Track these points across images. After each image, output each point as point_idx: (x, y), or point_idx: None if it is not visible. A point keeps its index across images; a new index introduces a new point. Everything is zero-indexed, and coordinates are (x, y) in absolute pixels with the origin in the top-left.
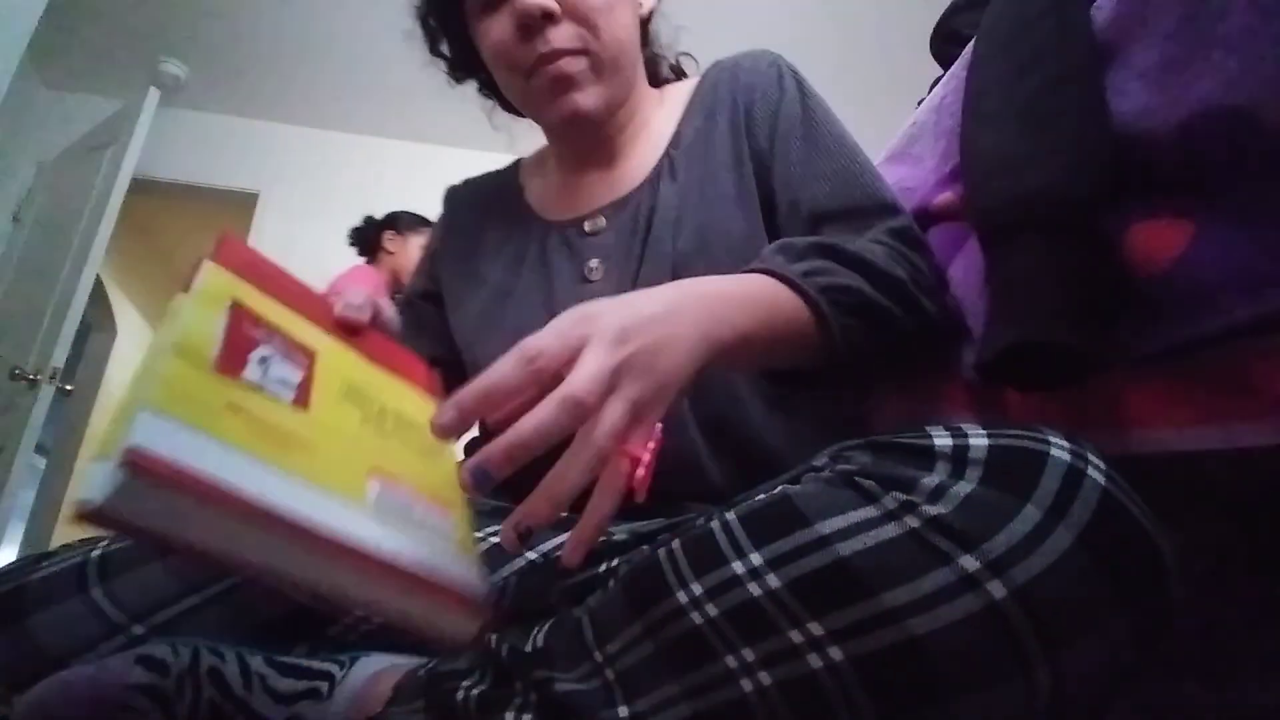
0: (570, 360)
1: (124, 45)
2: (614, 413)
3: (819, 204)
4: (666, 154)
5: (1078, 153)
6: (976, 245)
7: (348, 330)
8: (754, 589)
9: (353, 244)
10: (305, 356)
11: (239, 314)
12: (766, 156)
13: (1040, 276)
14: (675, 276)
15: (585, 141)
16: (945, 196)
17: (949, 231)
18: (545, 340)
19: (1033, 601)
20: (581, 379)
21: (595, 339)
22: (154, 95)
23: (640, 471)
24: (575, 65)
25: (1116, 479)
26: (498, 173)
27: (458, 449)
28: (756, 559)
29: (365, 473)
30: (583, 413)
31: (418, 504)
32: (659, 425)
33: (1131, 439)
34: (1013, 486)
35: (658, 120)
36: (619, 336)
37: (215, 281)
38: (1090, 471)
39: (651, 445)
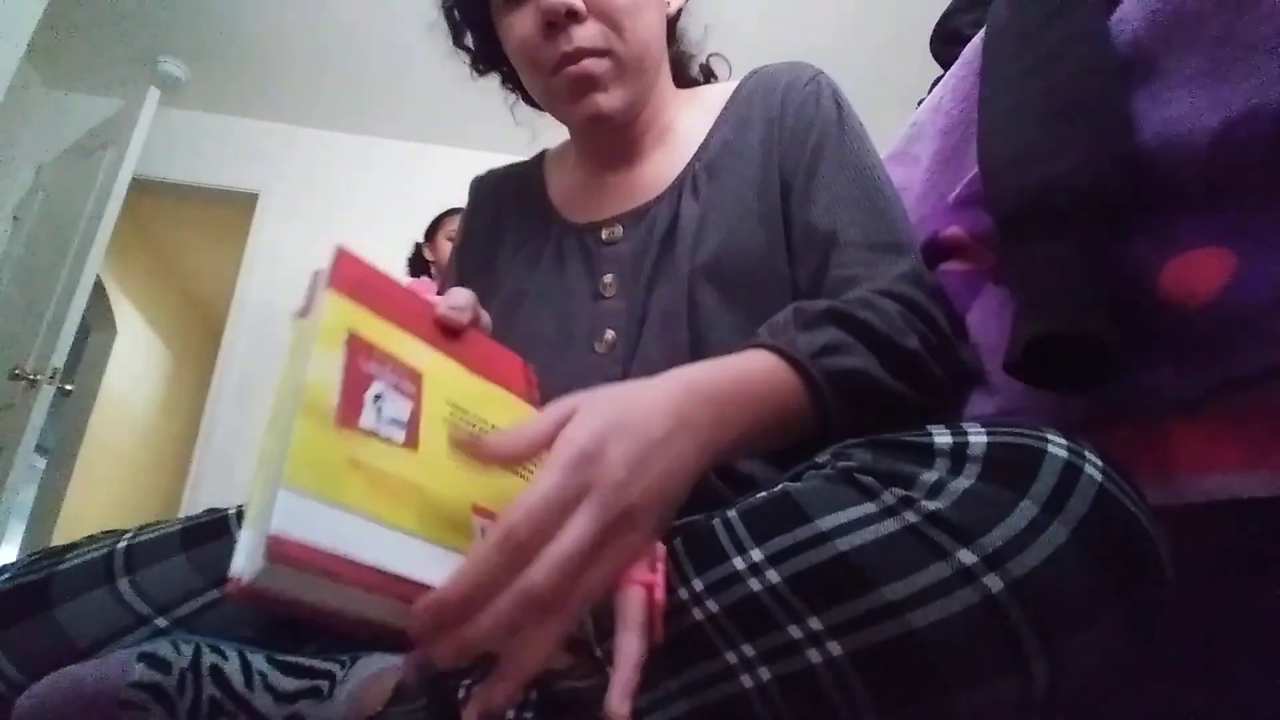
0: (567, 512)
1: (124, 45)
2: (594, 578)
3: (834, 231)
4: (691, 165)
5: (1092, 143)
6: (993, 290)
7: (449, 334)
8: (754, 585)
9: (409, 273)
10: (413, 383)
11: (355, 348)
12: (792, 174)
13: (1061, 268)
14: (690, 296)
15: (607, 142)
16: (953, 230)
17: (963, 279)
18: (534, 512)
19: (1029, 595)
20: (552, 565)
21: (594, 496)
22: (154, 95)
23: (658, 596)
24: (598, 66)
25: (1113, 475)
26: (523, 164)
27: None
28: (757, 555)
29: (469, 510)
30: (551, 610)
31: None
32: (660, 546)
33: (1185, 487)
34: (1010, 482)
35: (686, 124)
36: (623, 486)
37: (334, 313)
38: (1087, 468)
39: (660, 567)
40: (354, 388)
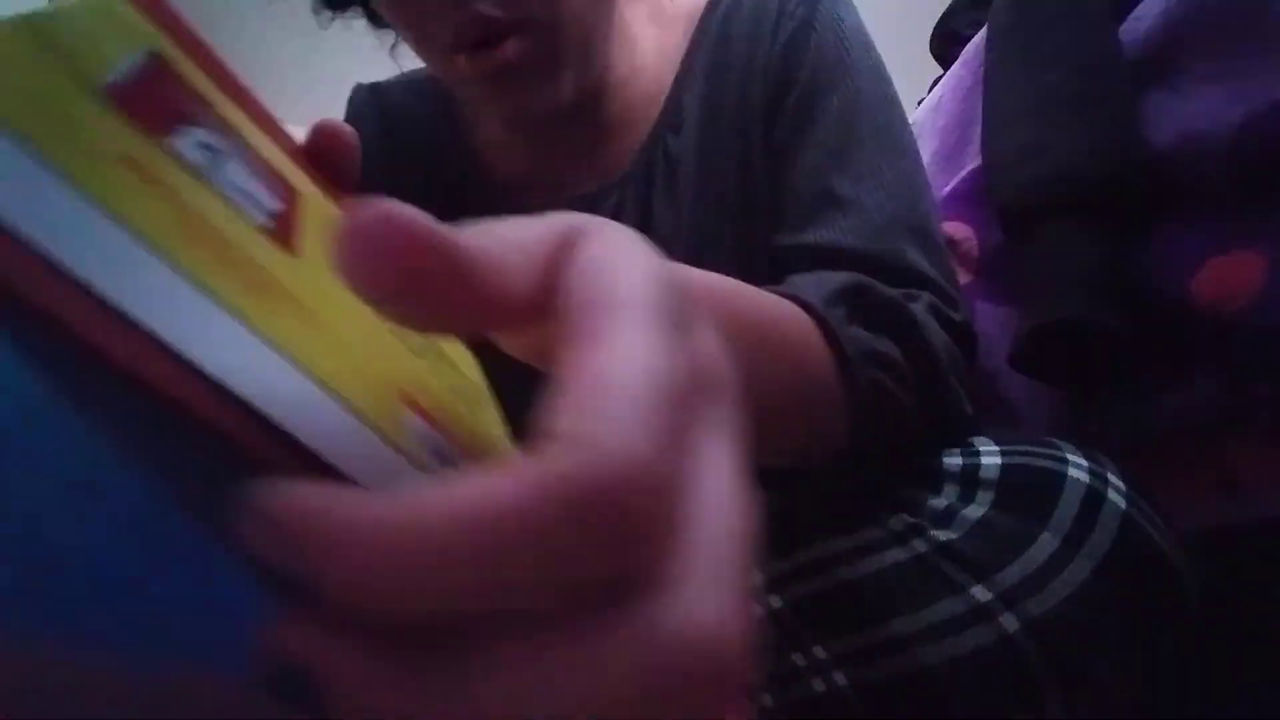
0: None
1: None
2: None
3: (828, 241)
4: (659, 137)
5: (1096, 136)
6: (988, 311)
7: (327, 179)
8: (754, 609)
9: None
10: (284, 188)
11: (162, 68)
12: (777, 142)
13: (1065, 259)
14: None
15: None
16: (946, 226)
17: None
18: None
19: (1047, 635)
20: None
21: (717, 408)
22: None
23: None
24: (521, 49)
25: (1137, 501)
26: (423, 86)
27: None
28: (757, 579)
29: (395, 395)
30: None
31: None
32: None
33: (1258, 503)
34: (1027, 511)
35: (646, 59)
36: (741, 400)
37: (128, 16)
38: (1110, 494)
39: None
40: (158, 97)
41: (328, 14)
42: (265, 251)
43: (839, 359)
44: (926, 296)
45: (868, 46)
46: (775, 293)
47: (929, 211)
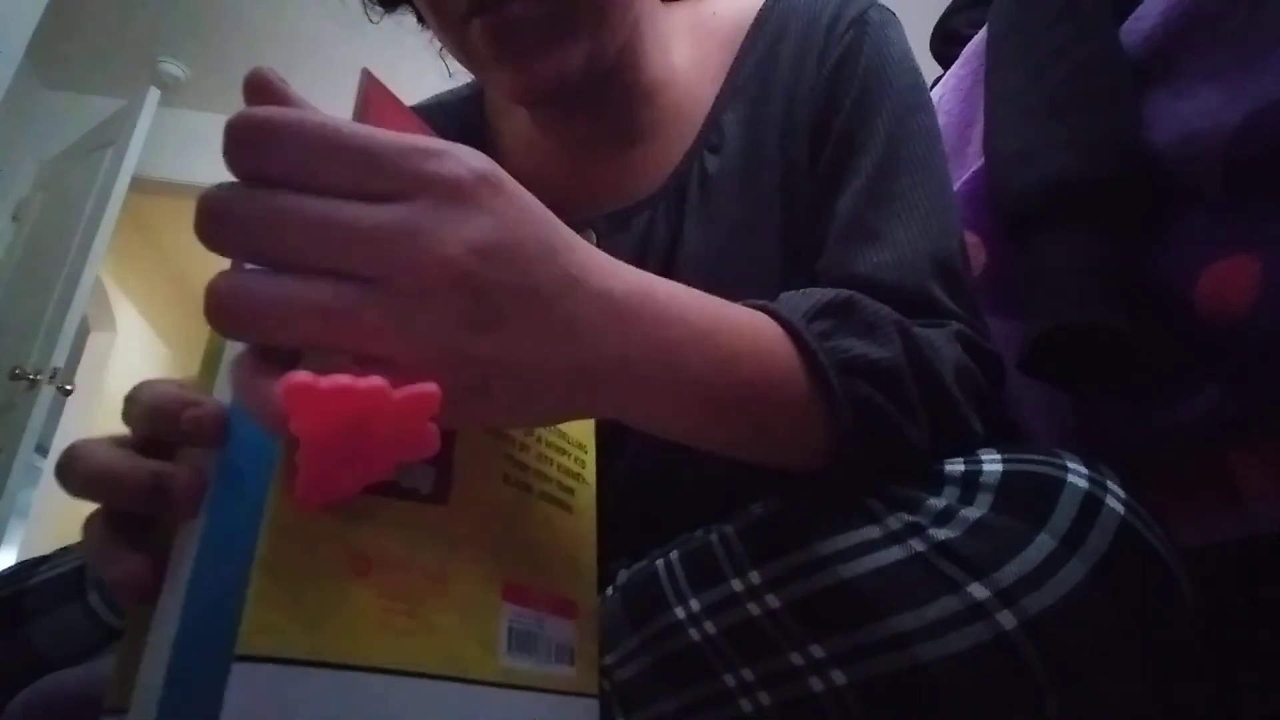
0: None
1: (124, 45)
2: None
3: (854, 274)
4: (696, 155)
5: (1096, 138)
6: (991, 322)
7: None
8: (753, 608)
9: None
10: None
11: None
12: (821, 169)
13: (1068, 261)
14: None
15: (562, 111)
16: None
17: None
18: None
19: (1044, 634)
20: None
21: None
22: (154, 95)
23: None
24: (530, 10)
25: (1137, 509)
26: (454, 102)
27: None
28: (756, 578)
29: (500, 591)
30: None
31: (546, 616)
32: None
33: (1258, 517)
34: (1026, 513)
35: (683, 71)
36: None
37: None
38: (1109, 500)
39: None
40: None
41: (377, 8)
42: (423, 539)
43: (813, 368)
44: (954, 325)
45: (914, 71)
46: (752, 306)
47: (958, 246)
